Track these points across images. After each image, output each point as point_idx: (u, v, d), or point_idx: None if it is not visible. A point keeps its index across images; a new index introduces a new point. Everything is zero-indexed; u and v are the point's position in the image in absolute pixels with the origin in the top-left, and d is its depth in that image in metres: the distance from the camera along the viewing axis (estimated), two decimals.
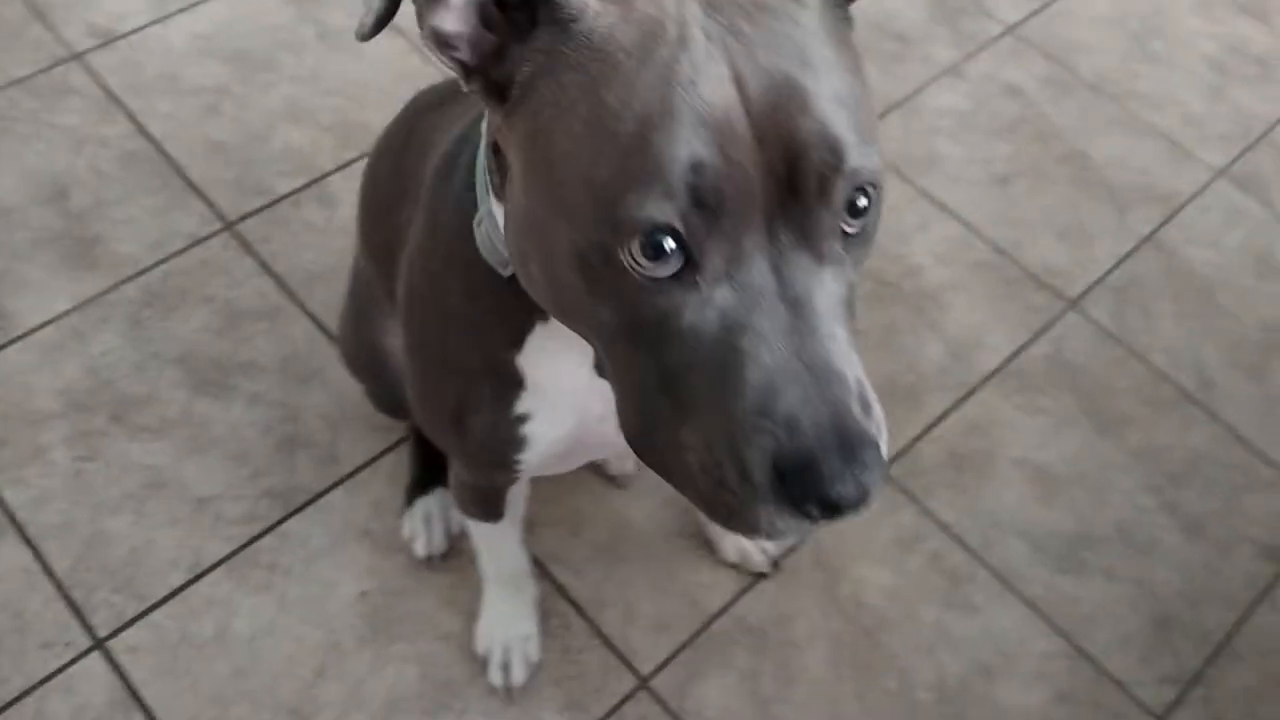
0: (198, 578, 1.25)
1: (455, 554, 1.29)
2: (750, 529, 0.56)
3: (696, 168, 0.52)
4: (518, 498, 1.08)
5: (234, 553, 1.27)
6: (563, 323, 0.63)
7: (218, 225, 1.53)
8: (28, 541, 1.25)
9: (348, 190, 1.59)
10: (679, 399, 0.56)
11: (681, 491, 0.59)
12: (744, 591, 1.30)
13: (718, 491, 0.55)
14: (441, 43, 0.59)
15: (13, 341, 1.40)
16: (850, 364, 0.55)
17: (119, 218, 1.53)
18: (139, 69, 1.70)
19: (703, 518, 1.30)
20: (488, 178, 0.70)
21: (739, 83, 0.53)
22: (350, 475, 1.33)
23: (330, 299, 1.47)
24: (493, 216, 0.70)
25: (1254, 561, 1.39)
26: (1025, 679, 1.27)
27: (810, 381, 0.53)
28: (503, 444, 0.83)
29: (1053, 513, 1.41)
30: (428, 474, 1.31)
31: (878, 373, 1.49)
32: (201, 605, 1.23)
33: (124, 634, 1.20)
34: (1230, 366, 1.56)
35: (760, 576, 1.31)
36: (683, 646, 1.25)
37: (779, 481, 0.53)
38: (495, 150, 0.66)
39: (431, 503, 1.29)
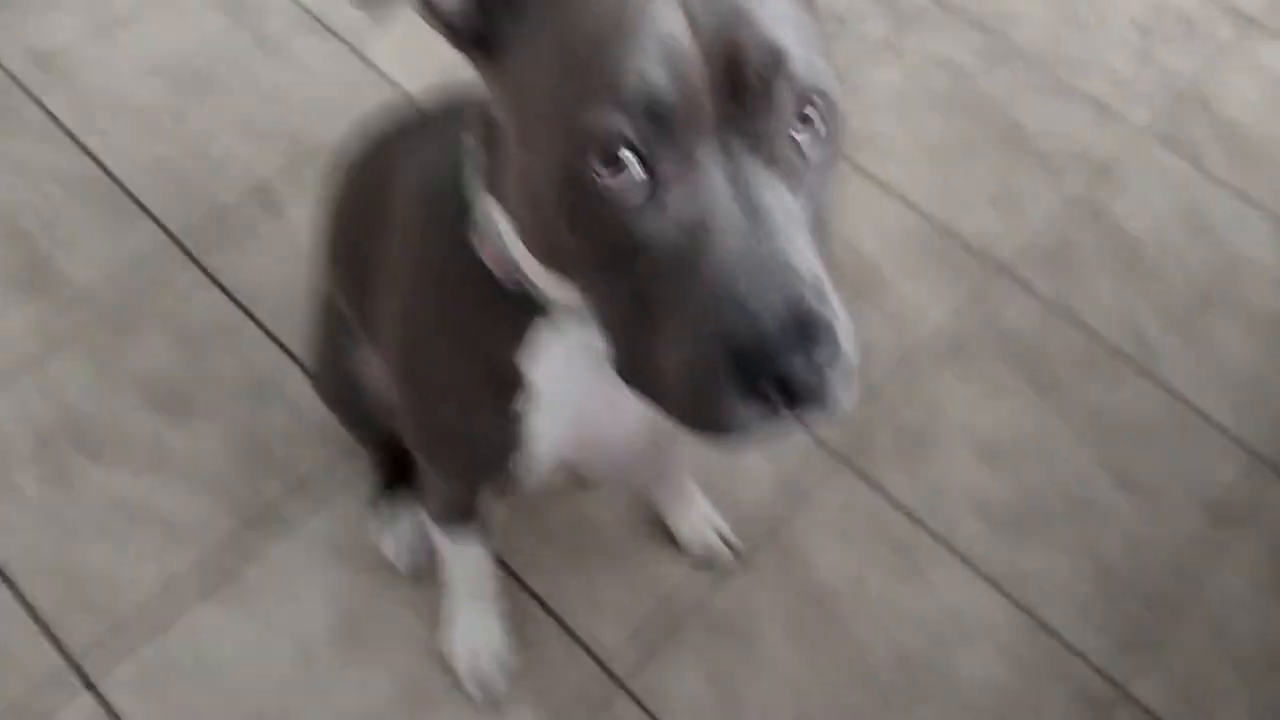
0: (173, 604, 1.28)
1: (434, 562, 1.32)
2: (720, 429, 0.59)
3: (645, 80, 0.56)
4: (490, 505, 1.11)
5: (207, 576, 1.30)
6: (553, 271, 0.67)
7: (167, 243, 1.55)
8: (4, 578, 1.28)
9: (293, 199, 1.60)
10: (652, 315, 0.59)
11: (668, 414, 0.62)
12: (708, 583, 1.34)
13: (689, 396, 0.59)
14: (432, 11, 0.63)
15: None
16: (807, 262, 0.58)
17: (69, 242, 1.54)
18: (82, 91, 1.70)
19: (661, 514, 1.35)
20: (480, 180, 0.74)
21: (686, 9, 0.58)
22: (317, 489, 1.36)
23: (282, 309, 1.49)
24: (490, 219, 0.74)
25: (1200, 521, 1.45)
26: (981, 650, 1.33)
27: (764, 272, 0.56)
28: (503, 452, 0.86)
29: (999, 481, 1.46)
30: (395, 482, 1.33)
31: None
32: (178, 631, 1.26)
33: (104, 665, 1.23)
34: (1165, 326, 1.62)
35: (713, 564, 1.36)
36: (653, 643, 1.30)
37: (737, 368, 0.56)
38: (486, 134, 0.70)
39: (410, 517, 1.31)
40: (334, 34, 1.80)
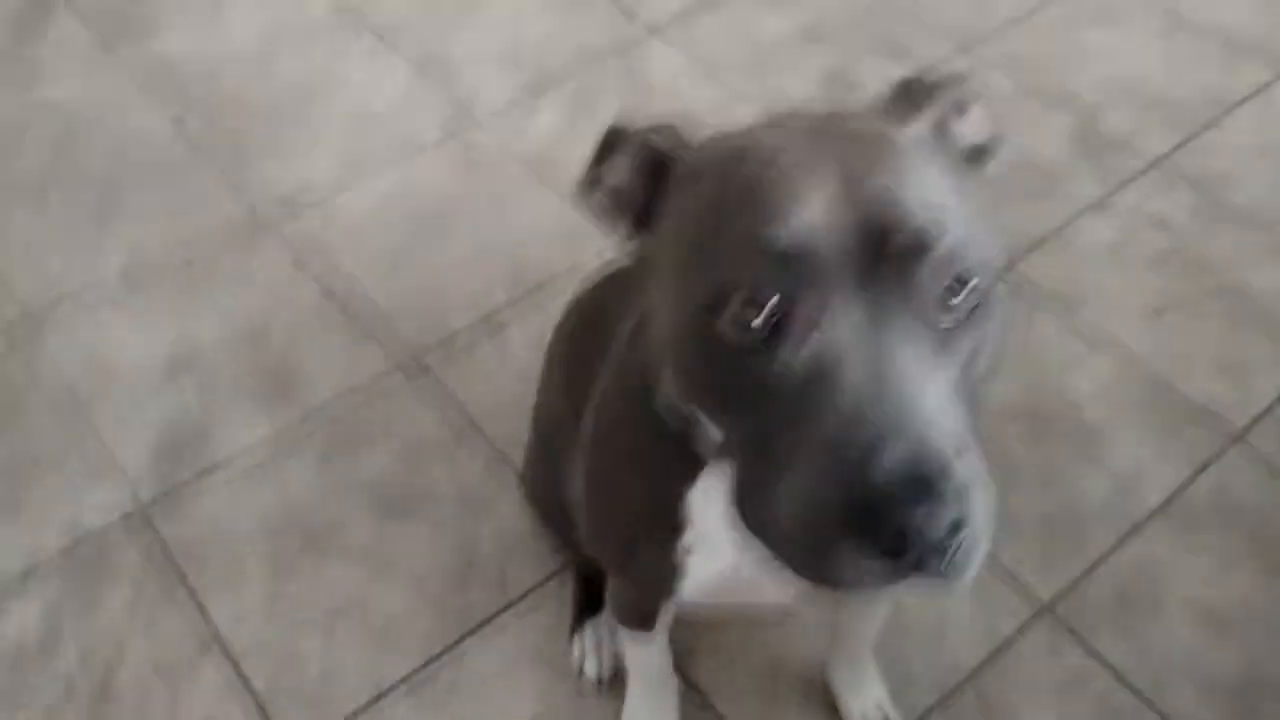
0: (379, 697, 1.32)
1: (623, 676, 1.33)
2: (834, 578, 0.57)
3: (786, 237, 0.59)
4: (669, 607, 1.14)
5: (413, 673, 1.33)
6: (703, 415, 0.69)
7: (398, 362, 1.65)
8: (230, 658, 1.34)
9: (518, 329, 1.69)
10: (774, 459, 0.60)
11: (780, 559, 0.60)
12: None
13: (806, 542, 0.57)
14: (609, 211, 0.73)
15: (217, 468, 1.52)
16: (942, 419, 0.56)
17: (309, 355, 1.65)
18: (330, 226, 1.85)
19: (829, 678, 1.32)
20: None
21: (826, 177, 0.61)
22: (520, 599, 1.39)
23: (502, 430, 1.56)
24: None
25: None
26: None
27: (890, 422, 0.55)
28: (664, 575, 0.90)
29: (1224, 655, 1.37)
30: (593, 598, 1.36)
31: (1036, 510, 1.50)
32: None
33: None
34: None
35: None
36: None
37: (854, 518, 0.55)
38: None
39: (600, 625, 1.35)
40: (554, 190, 1.91)
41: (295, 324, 1.70)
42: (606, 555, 0.97)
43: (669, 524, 0.85)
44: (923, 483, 0.54)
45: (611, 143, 0.72)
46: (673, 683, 1.27)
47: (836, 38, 2.19)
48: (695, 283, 0.62)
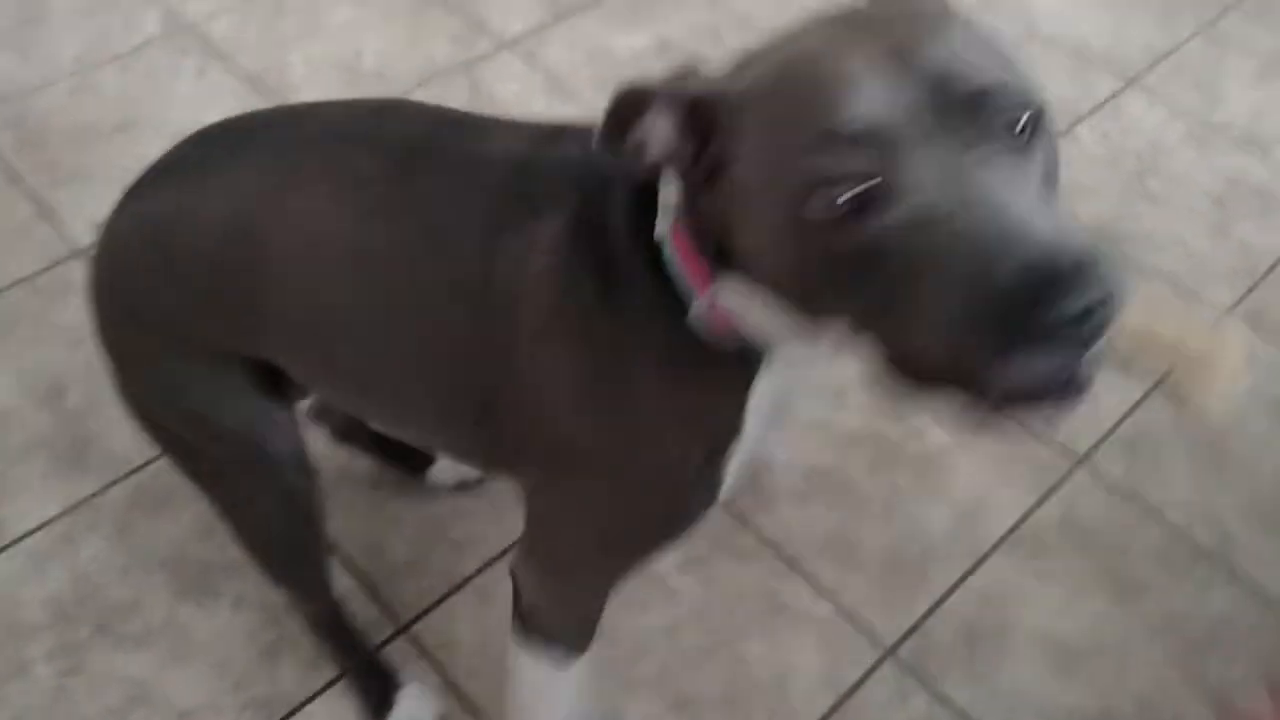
0: None
1: None
2: (1027, 388, 0.61)
3: (856, 118, 0.62)
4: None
5: None
6: (814, 317, 0.69)
7: None
8: None
9: None
10: (914, 311, 0.62)
11: (968, 402, 0.63)
12: None
13: (975, 367, 0.60)
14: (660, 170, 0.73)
15: (2, 550, 1.39)
16: (1055, 214, 0.61)
17: (113, 415, 1.53)
18: None
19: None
20: (690, 269, 0.77)
21: (875, 55, 0.64)
22: (331, 683, 1.29)
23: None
24: (724, 294, 0.76)
25: None
26: None
27: (1019, 226, 0.59)
28: (702, 507, 0.89)
29: (1073, 689, 1.33)
30: (386, 691, 1.27)
31: (880, 543, 1.45)
32: None
33: None
34: (1249, 519, 1.50)
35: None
36: None
37: (1027, 310, 0.57)
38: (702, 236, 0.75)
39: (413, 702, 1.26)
40: None
41: (98, 377, 1.57)
42: (632, 538, 0.91)
43: (718, 450, 0.85)
44: (1069, 260, 0.57)
45: (635, 104, 0.69)
46: None
47: (691, 53, 2.13)
48: (785, 192, 0.64)
